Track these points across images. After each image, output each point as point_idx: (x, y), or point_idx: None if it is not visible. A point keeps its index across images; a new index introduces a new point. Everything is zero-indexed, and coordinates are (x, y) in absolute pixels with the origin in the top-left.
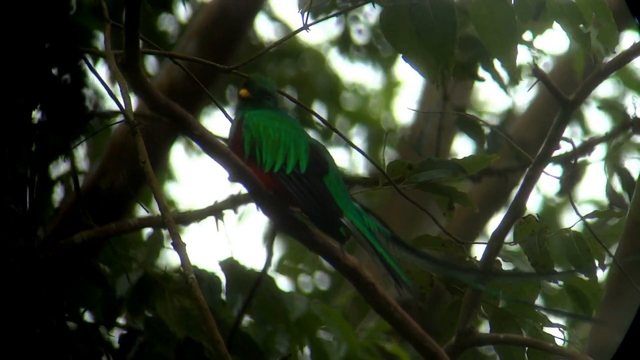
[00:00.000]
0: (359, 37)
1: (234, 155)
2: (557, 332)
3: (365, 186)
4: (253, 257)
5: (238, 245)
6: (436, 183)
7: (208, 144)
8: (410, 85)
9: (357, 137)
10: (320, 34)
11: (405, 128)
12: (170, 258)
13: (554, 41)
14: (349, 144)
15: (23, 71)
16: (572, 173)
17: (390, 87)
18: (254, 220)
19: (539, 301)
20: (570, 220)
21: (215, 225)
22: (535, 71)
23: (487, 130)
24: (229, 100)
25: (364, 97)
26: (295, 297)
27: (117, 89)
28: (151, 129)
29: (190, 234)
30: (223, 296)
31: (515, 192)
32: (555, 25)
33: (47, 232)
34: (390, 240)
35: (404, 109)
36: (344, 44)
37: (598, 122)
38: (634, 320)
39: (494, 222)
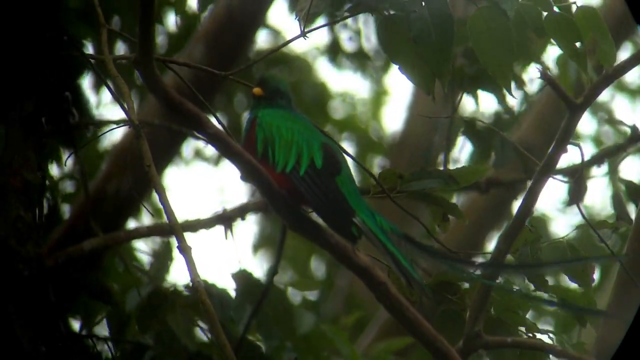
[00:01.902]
0: (349, 45)
1: (246, 154)
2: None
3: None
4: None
5: (244, 254)
6: (428, 193)
7: (221, 143)
8: (399, 94)
9: (346, 145)
10: (307, 41)
11: (395, 134)
12: (179, 274)
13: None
14: (356, 162)
15: (31, 77)
16: (580, 178)
17: (379, 95)
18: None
19: (529, 315)
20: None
21: (224, 234)
22: (543, 75)
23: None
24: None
25: (351, 105)
26: (304, 312)
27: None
28: (154, 138)
29: (198, 245)
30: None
31: (516, 203)
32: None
33: (54, 239)
34: (402, 239)
35: (396, 117)
36: (333, 52)
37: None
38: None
39: (496, 235)
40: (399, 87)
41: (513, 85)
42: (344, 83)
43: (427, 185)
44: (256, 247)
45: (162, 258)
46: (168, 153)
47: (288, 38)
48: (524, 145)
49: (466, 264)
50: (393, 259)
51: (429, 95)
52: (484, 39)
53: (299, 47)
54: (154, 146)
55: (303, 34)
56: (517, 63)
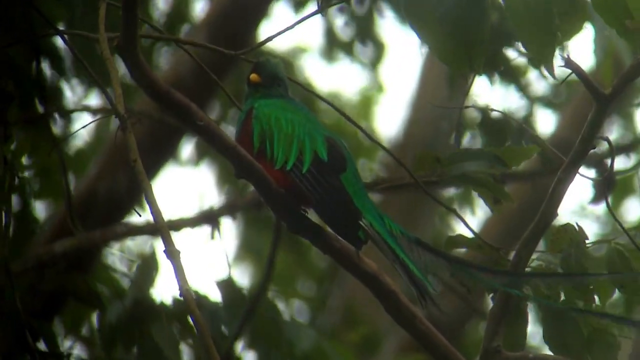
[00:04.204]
0: (344, 32)
1: (240, 148)
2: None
3: (388, 187)
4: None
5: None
6: (471, 176)
7: (213, 136)
8: (394, 91)
9: None
10: (293, 37)
11: (397, 131)
12: (165, 285)
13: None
14: (372, 140)
15: None
16: (609, 176)
17: (371, 94)
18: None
19: None
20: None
21: (211, 234)
22: (568, 63)
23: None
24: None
25: (339, 106)
26: (300, 327)
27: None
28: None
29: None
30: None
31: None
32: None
33: (39, 242)
34: (414, 244)
35: (391, 116)
36: (328, 41)
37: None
38: None
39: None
40: (395, 83)
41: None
42: (331, 83)
43: (469, 168)
44: (238, 260)
45: (147, 268)
46: (164, 151)
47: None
48: (561, 142)
49: (488, 271)
50: (403, 267)
51: (462, 76)
52: (522, 18)
53: (284, 44)
54: (149, 142)
55: (320, 10)
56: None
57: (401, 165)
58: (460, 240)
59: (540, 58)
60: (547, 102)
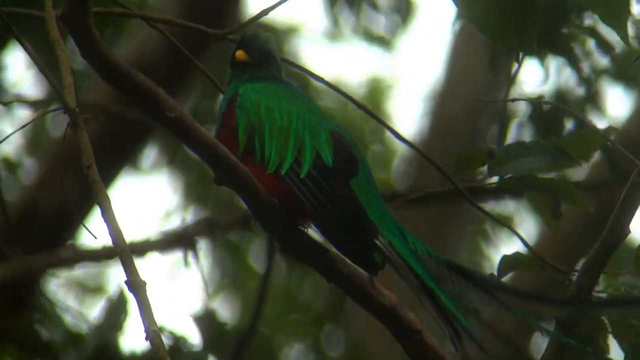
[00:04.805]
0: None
1: (222, 147)
2: None
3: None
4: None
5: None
6: (532, 177)
7: (186, 130)
8: (415, 75)
9: None
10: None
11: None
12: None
13: None
14: (394, 134)
15: None
16: None
17: (383, 85)
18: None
19: None
20: None
21: (184, 259)
22: None
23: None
24: None
25: (343, 103)
26: None
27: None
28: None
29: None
30: None
31: None
32: None
33: None
34: (445, 268)
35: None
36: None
37: None
38: None
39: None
40: (415, 67)
41: None
42: (332, 71)
43: (529, 165)
44: (216, 290)
45: (113, 308)
46: (124, 153)
47: None
48: (627, 139)
49: (546, 301)
50: (431, 299)
51: (512, 53)
52: None
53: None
54: (105, 143)
55: None
56: None
57: (435, 167)
58: (518, 260)
59: (614, 25)
60: (615, 75)
